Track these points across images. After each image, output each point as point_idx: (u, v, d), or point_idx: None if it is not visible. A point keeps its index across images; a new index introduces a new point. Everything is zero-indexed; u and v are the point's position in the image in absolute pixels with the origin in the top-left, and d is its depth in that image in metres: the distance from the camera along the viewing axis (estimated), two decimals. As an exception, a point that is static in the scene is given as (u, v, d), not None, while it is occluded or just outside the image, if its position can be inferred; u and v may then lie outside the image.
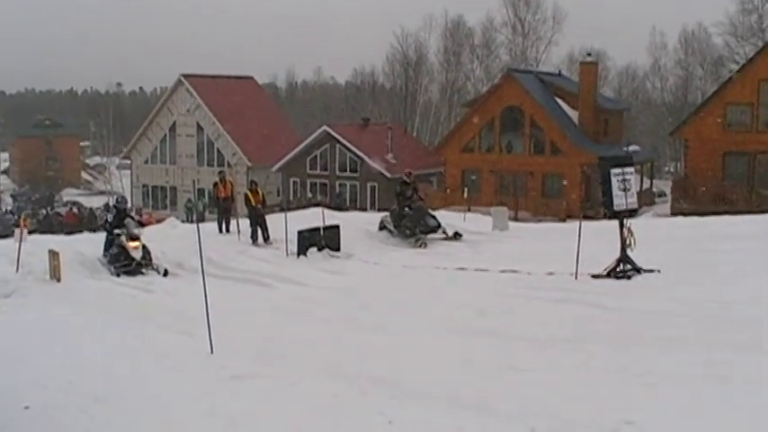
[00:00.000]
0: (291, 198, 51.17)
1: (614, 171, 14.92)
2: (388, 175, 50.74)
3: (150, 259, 19.29)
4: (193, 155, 62.40)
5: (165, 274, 18.73)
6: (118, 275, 18.63)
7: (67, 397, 8.66)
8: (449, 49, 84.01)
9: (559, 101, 49.71)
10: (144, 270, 19.03)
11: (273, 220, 22.98)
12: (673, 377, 8.35)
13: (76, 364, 10.13)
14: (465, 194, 33.70)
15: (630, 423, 7.02)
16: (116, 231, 19.43)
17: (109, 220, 20.18)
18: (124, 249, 19.09)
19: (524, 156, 48.38)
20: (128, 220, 19.84)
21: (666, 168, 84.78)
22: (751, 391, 7.73)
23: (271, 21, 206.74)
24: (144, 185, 65.67)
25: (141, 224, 20.69)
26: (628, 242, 14.90)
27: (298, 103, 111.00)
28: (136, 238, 19.29)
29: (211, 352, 10.12)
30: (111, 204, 39.43)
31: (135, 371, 9.75)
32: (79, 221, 49.35)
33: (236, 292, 16.39)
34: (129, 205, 21.59)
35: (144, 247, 19.33)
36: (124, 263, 18.97)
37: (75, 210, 55.67)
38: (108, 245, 19.62)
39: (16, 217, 47.32)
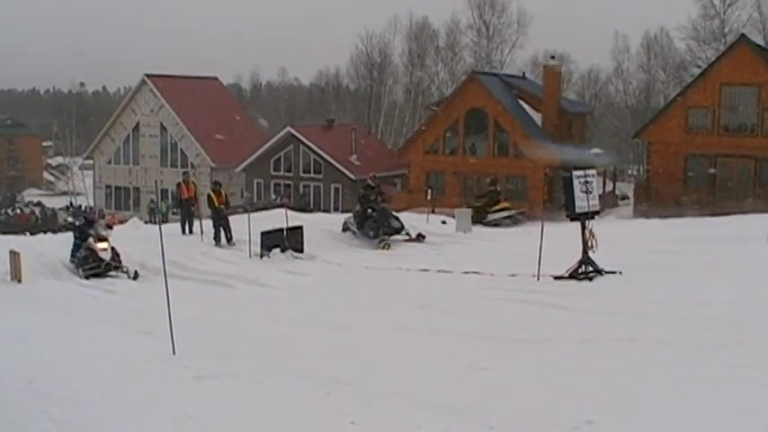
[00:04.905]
0: (255, 199, 50.94)
1: (576, 173, 15.07)
2: (351, 176, 50.71)
3: (120, 261, 19.03)
4: (157, 155, 61.88)
5: (136, 276, 18.45)
6: (87, 278, 18.34)
7: (28, 398, 8.59)
8: (413, 50, 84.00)
9: (523, 103, 49.82)
10: (114, 272, 18.80)
11: (237, 221, 22.91)
12: (632, 377, 8.45)
13: (37, 365, 10.04)
14: (429, 196, 33.70)
15: (590, 422, 7.09)
16: (86, 243, 19.12)
17: (77, 224, 19.85)
18: (93, 252, 18.78)
19: (488, 158, 48.51)
20: (95, 224, 19.60)
21: (630, 171, 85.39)
22: (708, 390, 7.84)
23: (235, 21, 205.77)
24: (107, 186, 64.99)
25: (109, 227, 20.37)
26: (589, 244, 15.04)
27: (262, 103, 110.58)
28: (104, 239, 19.03)
29: (173, 352, 10.07)
30: (74, 205, 39.16)
31: (96, 372, 9.68)
32: (34, 222, 49.12)
33: (199, 293, 16.33)
34: (97, 215, 21.36)
35: (113, 249, 19.09)
36: (93, 265, 18.67)
37: (30, 210, 55.37)
38: (75, 249, 19.30)
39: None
